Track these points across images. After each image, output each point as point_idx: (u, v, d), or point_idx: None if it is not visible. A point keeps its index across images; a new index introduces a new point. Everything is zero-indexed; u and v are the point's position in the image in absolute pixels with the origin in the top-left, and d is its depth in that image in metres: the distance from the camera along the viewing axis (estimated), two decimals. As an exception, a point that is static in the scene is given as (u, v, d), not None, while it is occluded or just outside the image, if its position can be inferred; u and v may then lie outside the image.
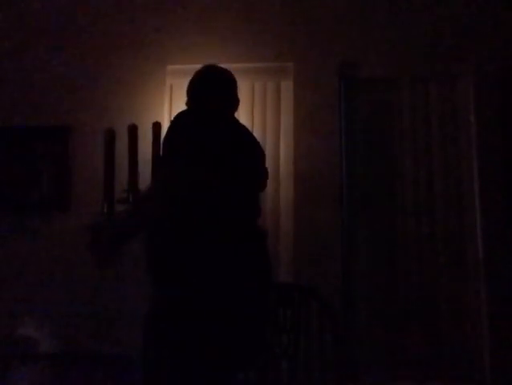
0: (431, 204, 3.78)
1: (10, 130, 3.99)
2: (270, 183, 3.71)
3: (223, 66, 2.50)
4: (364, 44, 3.88)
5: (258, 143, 2.40)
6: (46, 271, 3.83)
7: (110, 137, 2.19)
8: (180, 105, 2.49)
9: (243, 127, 2.38)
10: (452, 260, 3.73)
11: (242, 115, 3.75)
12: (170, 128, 2.23)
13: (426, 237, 3.76)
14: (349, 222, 3.82)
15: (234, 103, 2.42)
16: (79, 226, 3.60)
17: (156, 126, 2.30)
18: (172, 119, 2.26)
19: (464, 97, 3.83)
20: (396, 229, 3.79)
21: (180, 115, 2.31)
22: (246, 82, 3.80)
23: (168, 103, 3.78)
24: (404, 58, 3.88)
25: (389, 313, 3.72)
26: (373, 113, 3.92)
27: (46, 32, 4.05)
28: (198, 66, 2.52)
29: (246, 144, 2.28)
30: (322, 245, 3.72)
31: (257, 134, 3.71)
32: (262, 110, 3.83)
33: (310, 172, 3.78)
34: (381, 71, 3.90)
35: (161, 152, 2.22)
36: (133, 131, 2.23)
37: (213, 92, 2.34)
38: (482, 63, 3.78)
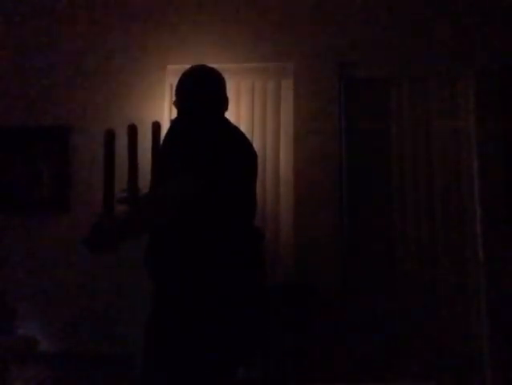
0: (431, 204, 3.78)
1: (10, 130, 4.00)
2: (270, 183, 3.74)
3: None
4: (364, 44, 3.88)
5: (251, 144, 2.41)
6: (47, 271, 3.83)
7: (110, 137, 2.18)
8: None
9: (234, 128, 2.38)
10: (452, 260, 3.73)
11: (242, 115, 3.75)
12: (166, 136, 2.26)
13: (426, 236, 3.76)
14: (349, 222, 3.82)
15: (224, 102, 2.42)
16: (79, 227, 3.62)
17: (156, 125, 2.29)
18: (169, 127, 2.28)
19: (464, 97, 3.83)
20: (395, 229, 3.79)
21: (174, 122, 2.34)
22: (246, 82, 3.81)
23: (168, 102, 3.78)
24: (404, 58, 3.88)
25: (389, 313, 3.72)
26: (373, 113, 3.92)
27: (46, 32, 4.05)
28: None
29: (240, 146, 2.29)
30: (322, 245, 3.72)
31: (257, 134, 3.74)
32: (262, 110, 3.82)
33: (310, 171, 3.79)
34: (381, 71, 3.90)
35: (159, 159, 2.22)
36: (133, 131, 2.22)
37: (201, 93, 2.34)
38: (482, 63, 3.78)
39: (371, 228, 3.82)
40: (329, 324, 3.59)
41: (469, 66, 3.81)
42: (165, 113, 3.76)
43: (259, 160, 2.43)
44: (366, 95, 3.93)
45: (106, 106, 3.93)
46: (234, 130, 2.36)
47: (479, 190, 3.72)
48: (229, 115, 2.45)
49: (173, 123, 2.38)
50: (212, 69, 2.42)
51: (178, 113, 2.40)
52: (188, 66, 2.43)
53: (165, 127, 2.44)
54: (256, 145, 3.13)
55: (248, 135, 2.45)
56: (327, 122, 3.84)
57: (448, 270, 3.72)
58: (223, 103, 2.41)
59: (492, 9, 3.81)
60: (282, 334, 3.33)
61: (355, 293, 3.75)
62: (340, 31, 3.90)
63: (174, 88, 2.44)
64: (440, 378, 3.61)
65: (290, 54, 3.90)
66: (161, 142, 2.29)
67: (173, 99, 2.44)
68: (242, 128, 2.86)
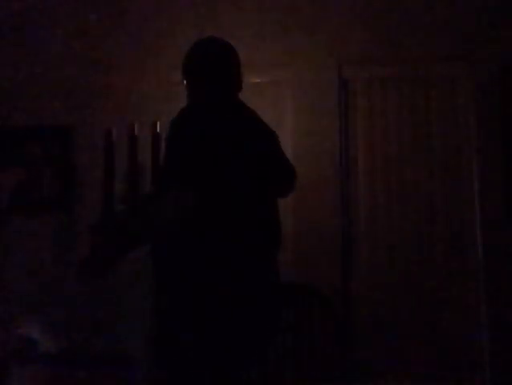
0: (431, 204, 3.78)
1: (10, 130, 4.00)
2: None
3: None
4: (364, 44, 3.88)
5: (266, 131, 2.26)
6: (47, 271, 3.83)
7: (110, 137, 2.19)
8: (181, 106, 2.47)
9: (248, 115, 2.24)
10: (452, 260, 3.73)
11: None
12: (173, 129, 2.11)
13: (426, 237, 3.76)
14: (349, 222, 3.82)
15: (237, 82, 2.17)
16: (79, 227, 3.62)
17: (155, 126, 2.30)
18: (175, 119, 2.11)
19: (464, 97, 3.83)
20: (395, 229, 3.79)
21: (181, 115, 2.23)
22: (246, 82, 3.79)
23: (168, 103, 3.78)
24: (404, 58, 3.88)
25: (389, 313, 3.72)
26: (373, 113, 3.91)
27: (46, 32, 4.05)
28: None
29: (244, 146, 2.20)
30: (322, 245, 3.72)
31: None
32: (261, 110, 3.81)
33: (310, 171, 3.78)
34: (381, 71, 3.90)
35: (166, 155, 2.09)
36: (133, 131, 2.23)
37: (212, 74, 2.10)
38: (482, 63, 3.78)
39: (370, 227, 3.81)
40: (329, 324, 3.58)
41: (469, 67, 3.81)
42: (165, 113, 3.76)
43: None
44: (366, 95, 3.92)
45: (106, 106, 3.93)
46: (241, 125, 2.20)
47: (479, 190, 3.72)
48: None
49: (178, 116, 2.21)
50: (223, 43, 2.15)
51: (187, 95, 2.23)
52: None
53: (165, 127, 2.42)
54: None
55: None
56: (327, 122, 3.84)
57: (448, 270, 3.72)
58: (235, 85, 2.17)
59: (492, 9, 3.81)
60: (282, 334, 3.33)
61: (356, 294, 3.75)
62: (340, 31, 3.90)
63: (182, 62, 2.18)
64: (440, 378, 3.61)
65: (291, 54, 3.90)
66: (169, 140, 2.21)
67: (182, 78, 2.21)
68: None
